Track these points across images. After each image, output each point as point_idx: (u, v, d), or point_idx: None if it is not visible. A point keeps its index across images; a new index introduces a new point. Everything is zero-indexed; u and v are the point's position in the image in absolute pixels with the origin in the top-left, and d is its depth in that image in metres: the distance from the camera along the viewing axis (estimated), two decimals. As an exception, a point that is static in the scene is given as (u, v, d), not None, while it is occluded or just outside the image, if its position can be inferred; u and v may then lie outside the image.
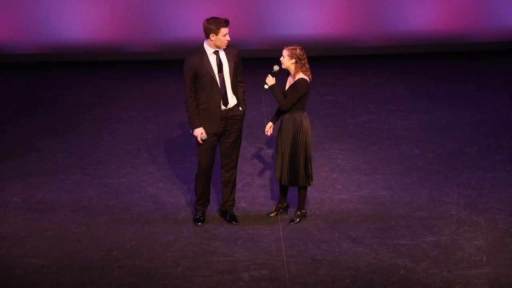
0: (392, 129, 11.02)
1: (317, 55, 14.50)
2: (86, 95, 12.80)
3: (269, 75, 8.15)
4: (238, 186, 9.27)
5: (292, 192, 8.76)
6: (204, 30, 8.01)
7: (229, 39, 8.04)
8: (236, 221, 8.42)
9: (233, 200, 8.52)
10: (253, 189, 9.20)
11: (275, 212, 8.57)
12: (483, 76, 13.31)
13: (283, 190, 8.53)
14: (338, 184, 9.33)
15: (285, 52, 8.07)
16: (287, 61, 8.05)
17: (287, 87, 8.17)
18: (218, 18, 8.00)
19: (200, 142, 8.15)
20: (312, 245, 7.92)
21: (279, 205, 8.58)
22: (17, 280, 7.45)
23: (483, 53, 14.48)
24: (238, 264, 7.62)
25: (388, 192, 9.09)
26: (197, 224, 8.40)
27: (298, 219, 8.43)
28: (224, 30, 7.97)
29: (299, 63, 8.04)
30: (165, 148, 10.45)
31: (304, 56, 8.06)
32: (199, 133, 8.13)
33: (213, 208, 8.75)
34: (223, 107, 8.16)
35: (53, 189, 9.33)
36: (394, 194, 9.03)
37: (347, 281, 7.31)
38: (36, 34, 14.42)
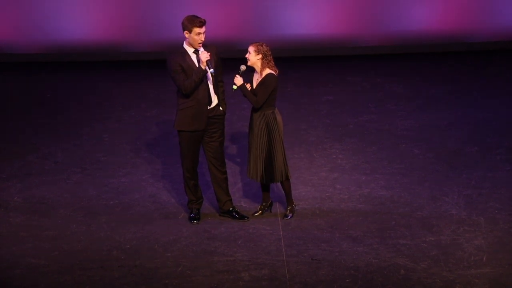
0: (393, 129, 11.02)
1: (318, 55, 14.50)
2: (86, 95, 12.80)
3: (236, 75, 8.24)
4: (238, 185, 9.27)
5: (279, 190, 8.78)
6: (182, 26, 8.06)
7: (202, 39, 8.06)
8: (248, 217, 8.46)
9: (230, 197, 8.54)
10: (253, 188, 9.20)
11: (260, 211, 8.60)
12: (483, 76, 13.30)
13: (265, 188, 8.56)
14: (338, 183, 9.33)
15: (251, 49, 8.17)
16: (253, 57, 8.16)
17: (254, 85, 8.23)
18: (196, 18, 8.05)
19: (208, 56, 8.01)
20: (312, 245, 7.92)
21: (264, 204, 8.61)
22: (18, 279, 7.45)
23: (483, 52, 14.47)
24: (238, 263, 7.62)
25: (388, 192, 9.09)
26: (193, 222, 8.43)
27: (291, 214, 8.48)
28: (197, 30, 8.01)
29: (266, 59, 8.15)
30: (165, 148, 10.45)
31: (270, 52, 8.19)
32: (205, 56, 8.00)
33: (212, 207, 8.75)
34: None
35: (53, 189, 9.33)
36: (394, 194, 9.03)
37: (347, 280, 7.31)
38: (37, 34, 14.41)
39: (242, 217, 8.47)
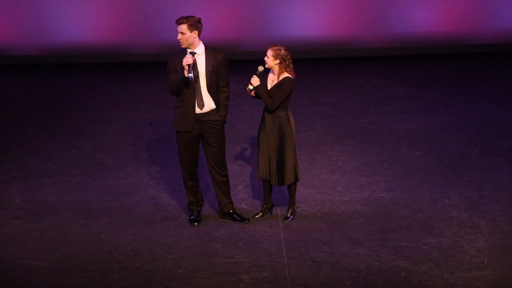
0: (393, 130, 11.02)
1: (318, 57, 14.51)
2: (87, 96, 12.80)
3: (254, 76, 8.20)
4: (239, 188, 9.27)
5: (280, 192, 8.77)
6: None
7: (178, 38, 8.05)
8: (248, 220, 8.46)
9: (231, 199, 8.54)
10: (254, 190, 9.20)
11: (261, 213, 8.59)
12: (484, 78, 13.31)
13: (268, 190, 8.55)
14: (339, 185, 9.33)
15: (269, 53, 8.13)
16: (271, 61, 8.13)
17: (269, 85, 8.21)
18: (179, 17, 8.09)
19: (191, 61, 8.00)
20: (313, 247, 7.92)
21: (264, 206, 8.61)
22: (18, 282, 7.45)
23: (484, 54, 14.48)
24: (239, 266, 7.62)
25: (389, 194, 9.09)
26: (194, 224, 8.42)
27: (292, 216, 8.47)
28: (177, 28, 8.05)
29: (283, 64, 8.12)
30: (166, 150, 10.45)
31: (289, 56, 8.15)
32: (186, 60, 7.99)
33: (213, 209, 8.75)
34: (198, 110, 8.17)
35: (54, 191, 9.33)
36: (395, 196, 9.02)
37: (348, 283, 7.31)
38: (38, 35, 14.43)
39: (242, 219, 8.47)
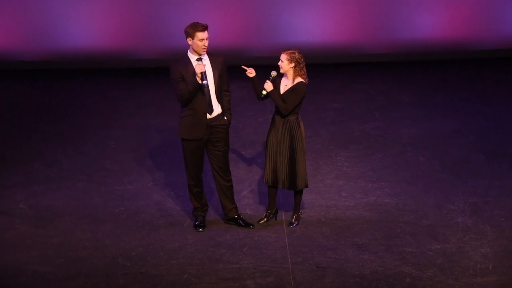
0: (398, 136, 11.02)
1: (323, 63, 14.50)
2: (91, 102, 12.81)
3: (267, 81, 8.20)
4: (243, 193, 9.27)
5: (284, 197, 8.77)
6: (184, 34, 8.08)
7: (206, 44, 8.06)
8: (253, 225, 8.45)
9: (236, 204, 8.54)
10: (259, 196, 9.20)
11: (265, 219, 8.59)
12: (488, 84, 13.29)
13: (273, 195, 8.54)
14: (343, 191, 9.32)
15: (283, 57, 8.12)
16: (286, 65, 8.12)
17: (282, 90, 8.21)
18: (198, 23, 8.06)
19: (204, 68, 8.01)
20: (318, 253, 7.92)
21: (269, 211, 8.60)
22: (23, 287, 7.45)
23: (488, 60, 14.46)
24: (243, 271, 7.62)
25: (393, 199, 9.08)
26: (198, 229, 8.43)
27: (297, 221, 8.47)
28: (200, 35, 8.01)
29: (298, 67, 8.12)
30: (170, 155, 10.45)
31: (302, 59, 8.14)
32: (199, 68, 7.99)
33: (218, 215, 8.75)
34: (208, 115, 8.19)
35: (59, 196, 9.33)
36: (399, 202, 9.02)
37: (352, 288, 7.32)
38: (42, 41, 14.44)
39: (247, 225, 8.47)
